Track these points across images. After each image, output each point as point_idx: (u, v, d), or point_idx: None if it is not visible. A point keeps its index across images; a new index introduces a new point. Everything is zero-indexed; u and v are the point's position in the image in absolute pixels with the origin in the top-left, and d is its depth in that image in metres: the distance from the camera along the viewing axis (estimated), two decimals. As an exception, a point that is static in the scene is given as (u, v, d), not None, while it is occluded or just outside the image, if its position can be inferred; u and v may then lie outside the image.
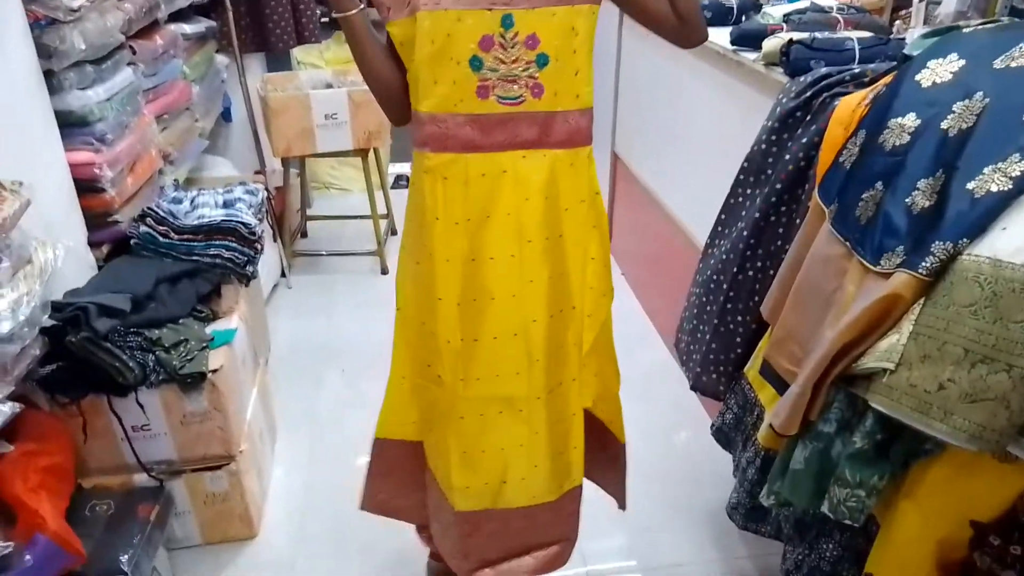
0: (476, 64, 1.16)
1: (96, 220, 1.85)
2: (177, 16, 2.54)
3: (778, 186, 1.49)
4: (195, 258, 1.92)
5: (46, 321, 1.47)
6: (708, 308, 1.70)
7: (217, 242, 1.95)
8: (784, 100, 1.51)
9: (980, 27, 1.22)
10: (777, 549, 1.58)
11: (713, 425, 1.73)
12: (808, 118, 1.45)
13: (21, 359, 1.39)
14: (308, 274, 3.24)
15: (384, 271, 3.19)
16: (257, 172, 3.12)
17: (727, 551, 1.85)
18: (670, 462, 2.14)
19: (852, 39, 1.57)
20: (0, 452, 1.35)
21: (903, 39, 1.58)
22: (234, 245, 1.97)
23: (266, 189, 2.41)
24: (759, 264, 1.58)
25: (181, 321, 1.73)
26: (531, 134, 1.22)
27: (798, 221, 1.45)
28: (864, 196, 1.16)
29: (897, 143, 1.13)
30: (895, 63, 1.44)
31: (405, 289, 1.38)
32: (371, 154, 3.07)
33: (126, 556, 1.47)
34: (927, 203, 1.04)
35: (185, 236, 1.93)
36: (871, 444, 1.05)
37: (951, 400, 0.91)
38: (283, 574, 1.82)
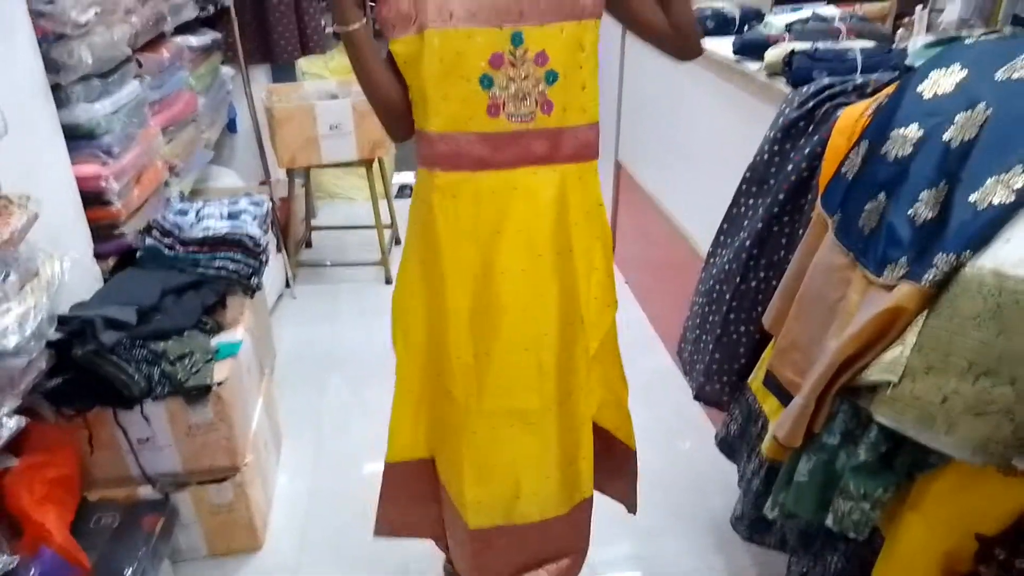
0: (487, 82, 1.16)
1: (102, 232, 1.86)
2: (183, 28, 2.56)
3: (781, 196, 1.49)
4: (200, 270, 1.93)
5: (53, 334, 1.48)
6: (711, 318, 1.70)
7: (222, 254, 1.96)
8: (787, 110, 1.51)
9: (982, 38, 1.22)
10: (782, 558, 1.58)
11: (718, 435, 1.73)
12: (811, 128, 1.46)
13: (28, 372, 1.40)
14: (312, 284, 3.25)
15: (388, 280, 3.19)
16: (262, 182, 3.13)
17: (731, 560, 1.85)
18: (674, 470, 2.13)
19: (854, 49, 1.57)
20: (6, 466, 1.36)
21: (905, 49, 1.58)
22: (239, 257, 1.98)
23: (271, 200, 2.43)
24: (762, 274, 1.58)
25: (186, 333, 1.73)
26: (542, 150, 1.23)
27: (801, 231, 1.45)
28: (867, 206, 1.16)
29: (900, 154, 1.13)
30: (897, 73, 1.44)
31: (410, 306, 1.37)
32: (375, 164, 3.08)
33: (131, 569, 1.47)
34: (930, 214, 1.04)
35: (190, 248, 1.94)
36: (875, 456, 1.05)
37: (955, 412, 0.91)
38: (288, 584, 1.82)
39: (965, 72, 1.11)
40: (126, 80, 1.97)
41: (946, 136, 1.06)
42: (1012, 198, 0.92)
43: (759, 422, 1.55)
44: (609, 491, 1.65)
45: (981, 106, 1.04)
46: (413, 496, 1.53)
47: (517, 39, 1.15)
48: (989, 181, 0.95)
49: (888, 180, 1.13)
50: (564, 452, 1.43)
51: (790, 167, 1.48)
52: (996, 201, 0.93)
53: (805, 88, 1.50)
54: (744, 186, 1.63)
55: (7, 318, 1.29)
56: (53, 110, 1.69)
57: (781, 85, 1.66)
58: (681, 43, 1.27)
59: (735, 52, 1.88)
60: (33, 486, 1.38)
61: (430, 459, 1.49)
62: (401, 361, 1.42)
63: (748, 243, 1.57)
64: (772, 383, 1.40)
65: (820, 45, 1.63)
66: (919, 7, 2.26)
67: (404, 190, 4.09)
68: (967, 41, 1.21)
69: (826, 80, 1.49)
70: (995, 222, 0.93)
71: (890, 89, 1.26)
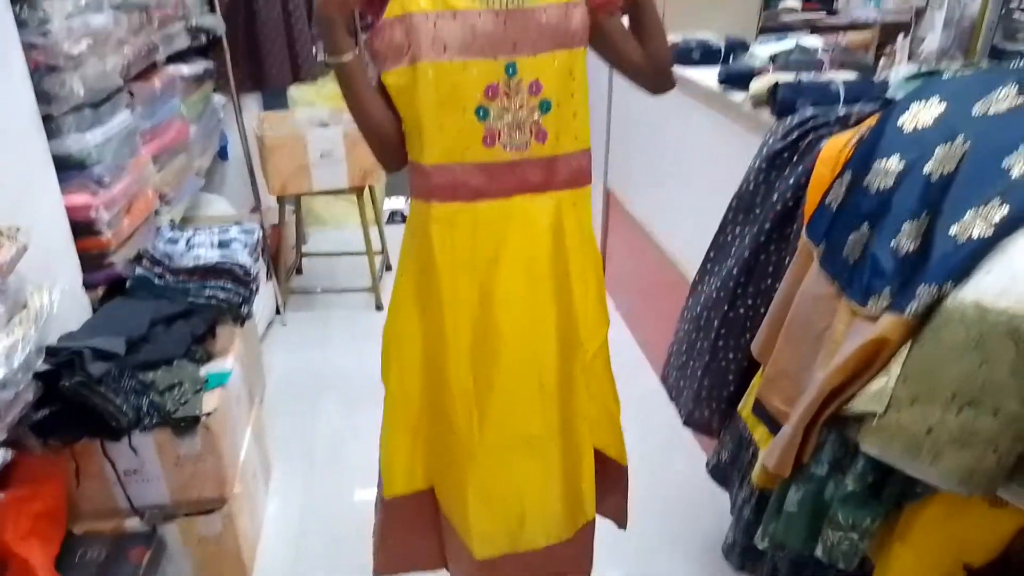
0: (482, 113, 1.17)
1: (92, 261, 1.86)
2: (176, 57, 2.58)
3: (767, 224, 1.51)
4: (190, 299, 1.93)
5: (40, 365, 1.47)
6: (699, 344, 1.71)
7: (212, 283, 1.96)
8: (771, 140, 1.53)
9: (960, 72, 1.25)
10: (775, 587, 1.57)
11: (709, 463, 1.73)
12: (795, 158, 1.48)
13: (14, 405, 1.39)
14: (303, 310, 3.24)
15: (379, 306, 3.19)
16: (253, 210, 3.14)
17: (724, 586, 1.84)
18: (666, 493, 2.13)
19: (837, 81, 1.60)
20: (-9, 500, 1.35)
21: (887, 80, 1.61)
22: (229, 286, 1.98)
23: (261, 227, 2.43)
24: (749, 301, 1.59)
25: (176, 363, 1.73)
26: (537, 178, 1.24)
27: (787, 259, 1.46)
28: (851, 237, 1.18)
29: (882, 185, 1.15)
30: (879, 104, 1.47)
31: (405, 339, 1.36)
32: (366, 190, 3.10)
33: (117, 603, 1.46)
34: (912, 245, 1.06)
35: (180, 277, 1.94)
36: (863, 486, 1.05)
37: (940, 443, 0.92)
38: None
39: (944, 106, 1.14)
40: (118, 110, 1.98)
41: (926, 169, 1.09)
42: (991, 231, 0.94)
43: (750, 449, 1.55)
44: (601, 508, 1.64)
45: (960, 139, 1.06)
46: (414, 530, 1.52)
47: (512, 69, 1.16)
48: (969, 214, 0.97)
49: (871, 211, 1.15)
50: (568, 476, 1.43)
51: (776, 196, 1.50)
52: (976, 234, 0.95)
53: (789, 119, 1.52)
54: (731, 214, 1.64)
55: (-6, 351, 1.29)
56: (44, 141, 1.70)
57: (766, 115, 1.69)
58: (657, 77, 1.32)
59: (720, 82, 1.91)
60: (18, 520, 1.37)
61: (429, 490, 1.48)
62: (394, 395, 1.40)
63: (735, 271, 1.59)
64: (761, 411, 1.40)
65: (804, 76, 1.66)
66: (901, 37, 2.31)
67: (395, 216, 4.11)
68: (945, 75, 1.24)
69: (810, 111, 1.51)
70: (975, 254, 0.94)
71: (872, 121, 1.28)
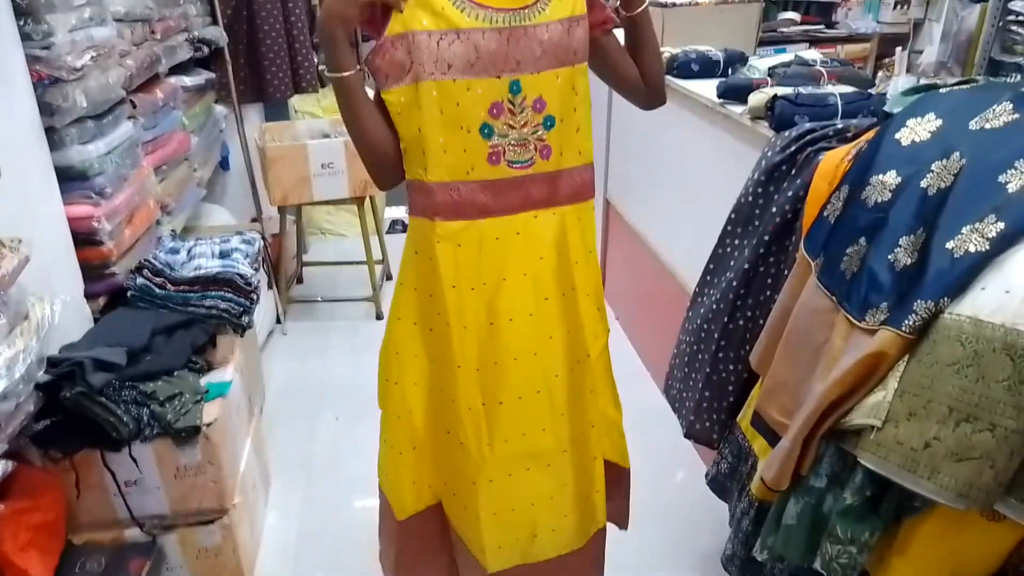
0: (487, 131, 1.17)
1: (93, 272, 1.86)
2: (178, 69, 2.60)
3: (766, 237, 1.52)
4: (191, 309, 1.93)
5: (41, 376, 1.48)
6: (699, 356, 1.72)
7: (213, 293, 1.96)
8: (770, 154, 1.54)
9: (956, 87, 1.26)
10: (774, 600, 1.57)
11: (708, 474, 1.73)
12: (793, 172, 1.49)
13: (15, 416, 1.39)
14: (304, 320, 3.25)
15: (379, 316, 3.20)
16: (254, 219, 3.15)
17: (724, 599, 1.83)
18: (666, 504, 2.13)
19: (835, 94, 1.61)
20: (-8, 511, 1.35)
21: (884, 94, 1.62)
22: (230, 296, 1.98)
23: (262, 237, 2.44)
24: (749, 314, 1.60)
25: (176, 373, 1.73)
26: (542, 194, 1.25)
27: (786, 271, 1.47)
28: (848, 251, 1.19)
29: (879, 199, 1.16)
30: (876, 119, 1.48)
31: (408, 360, 1.34)
32: (367, 200, 3.11)
33: (116, 615, 1.46)
34: (909, 260, 1.06)
35: (181, 287, 1.95)
36: (861, 500, 1.06)
37: (937, 458, 0.92)
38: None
39: (940, 121, 1.15)
40: (120, 121, 1.99)
41: (923, 183, 1.09)
42: (987, 246, 0.95)
43: (749, 461, 1.55)
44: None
45: (956, 155, 1.07)
46: (427, 546, 1.51)
47: (515, 87, 1.17)
48: (965, 229, 0.98)
49: (868, 225, 1.16)
50: (580, 489, 1.43)
51: (774, 209, 1.50)
52: (972, 249, 0.96)
53: (787, 132, 1.54)
54: (729, 227, 1.65)
55: (-4, 362, 1.29)
56: (47, 152, 1.71)
57: (764, 128, 1.70)
58: (650, 94, 1.34)
59: (719, 96, 1.92)
60: (17, 532, 1.37)
61: (437, 504, 1.48)
62: (395, 414, 1.38)
63: (735, 283, 1.59)
64: (760, 423, 1.41)
65: (802, 90, 1.67)
66: (899, 49, 2.33)
67: (395, 225, 4.12)
68: (942, 90, 1.25)
69: (807, 125, 1.53)
70: (971, 270, 0.95)
71: (869, 135, 1.29)
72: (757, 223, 1.57)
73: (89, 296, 1.85)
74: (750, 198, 1.58)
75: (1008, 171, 0.99)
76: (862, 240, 1.16)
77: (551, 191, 1.25)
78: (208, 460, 1.68)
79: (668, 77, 2.20)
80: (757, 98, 1.72)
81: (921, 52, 2.10)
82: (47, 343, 1.52)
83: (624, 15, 1.28)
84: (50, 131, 1.72)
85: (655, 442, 2.32)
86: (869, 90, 1.71)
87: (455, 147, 1.17)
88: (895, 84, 1.68)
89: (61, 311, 1.54)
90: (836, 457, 1.12)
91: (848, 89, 1.68)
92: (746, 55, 2.23)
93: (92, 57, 1.78)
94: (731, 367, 1.65)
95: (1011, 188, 0.98)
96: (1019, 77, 2.35)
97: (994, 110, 1.08)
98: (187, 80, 2.63)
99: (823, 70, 1.89)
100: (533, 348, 1.30)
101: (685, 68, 2.19)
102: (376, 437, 1.46)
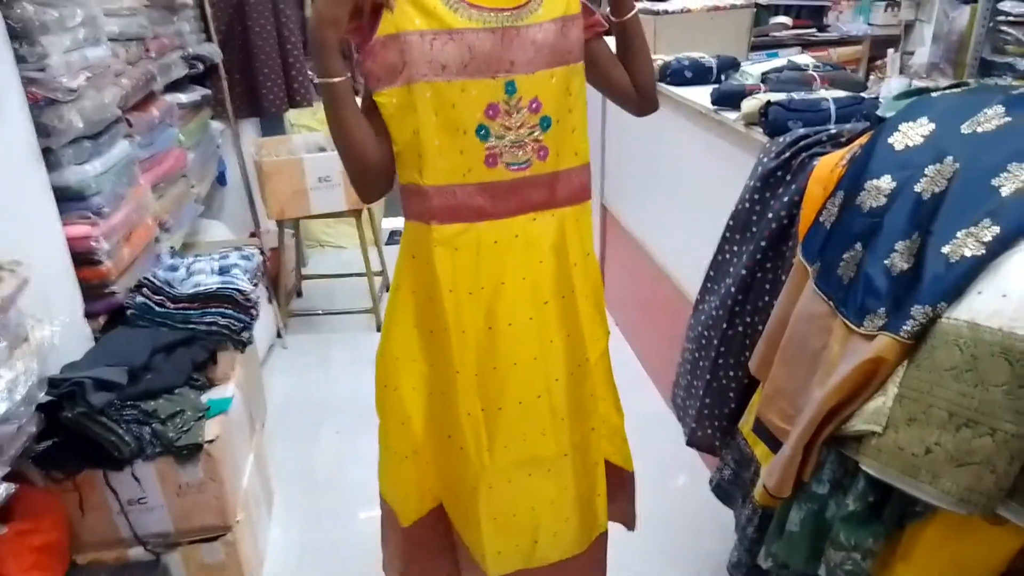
0: (483, 133, 1.16)
1: (93, 291, 1.86)
2: (173, 86, 2.61)
3: (763, 243, 1.52)
4: (191, 326, 1.93)
5: (42, 398, 1.48)
6: (701, 363, 1.72)
7: (213, 309, 1.96)
8: (764, 160, 1.55)
9: (948, 91, 1.26)
10: (780, 606, 1.57)
11: (712, 480, 1.73)
12: (788, 177, 1.49)
13: (17, 438, 1.39)
14: (304, 333, 3.25)
15: (379, 328, 3.17)
16: (252, 234, 3.15)
17: (730, 606, 1.83)
18: (670, 510, 2.13)
19: (828, 99, 1.62)
20: (-6, 534, 1.35)
21: (877, 98, 1.63)
22: (230, 312, 1.98)
23: (261, 251, 2.44)
24: (747, 319, 1.60)
25: (177, 391, 1.73)
26: (540, 196, 1.24)
27: (784, 277, 1.48)
28: (845, 256, 1.19)
29: (874, 204, 1.16)
30: (870, 123, 1.49)
31: (405, 366, 1.33)
32: (364, 212, 3.11)
33: (121, 635, 1.45)
34: (905, 265, 1.07)
35: (181, 304, 1.95)
36: (864, 506, 1.06)
37: (938, 463, 0.93)
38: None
39: (933, 125, 1.15)
40: (116, 140, 1.99)
41: (917, 188, 1.10)
42: (982, 251, 0.95)
43: (752, 467, 1.55)
44: (609, 514, 1.63)
45: (949, 159, 1.08)
46: (431, 550, 1.50)
47: (511, 88, 1.16)
48: (960, 234, 0.98)
49: (864, 230, 1.16)
50: (581, 493, 1.42)
51: (770, 215, 1.51)
52: (967, 253, 0.96)
53: (781, 138, 1.54)
54: (728, 234, 1.66)
55: (-3, 385, 1.29)
56: (44, 174, 1.71)
57: (758, 134, 1.70)
58: (642, 100, 1.35)
59: (713, 103, 1.93)
60: (21, 554, 1.37)
61: (439, 506, 1.47)
62: (394, 421, 1.37)
63: (733, 289, 1.60)
64: (761, 429, 1.41)
65: (795, 96, 1.68)
66: (891, 51, 2.34)
67: (394, 236, 4.12)
68: (934, 94, 1.26)
69: (801, 131, 1.53)
70: (967, 274, 0.95)
71: (863, 140, 1.30)
72: (754, 229, 1.57)
73: (89, 315, 1.85)
74: (747, 205, 1.58)
75: (1001, 174, 1.00)
76: (858, 245, 1.16)
77: (549, 193, 1.25)
78: (210, 477, 1.68)
79: (662, 84, 2.21)
80: (750, 104, 1.73)
81: (913, 53, 2.11)
82: (48, 364, 1.53)
83: (614, 21, 1.29)
84: (47, 152, 1.73)
85: (657, 447, 2.32)
86: (862, 94, 1.72)
87: (451, 149, 1.16)
88: (887, 87, 1.69)
89: (61, 331, 1.54)
90: (838, 463, 1.12)
91: (841, 94, 1.69)
92: (739, 61, 2.24)
93: (87, 77, 1.78)
94: (731, 373, 1.65)
95: (1004, 192, 0.98)
96: (1010, 77, 2.36)
97: (986, 113, 1.09)
98: (183, 97, 2.64)
99: (816, 75, 1.90)
100: (533, 353, 1.29)
101: (678, 75, 2.20)
102: (378, 449, 1.46)
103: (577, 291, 1.30)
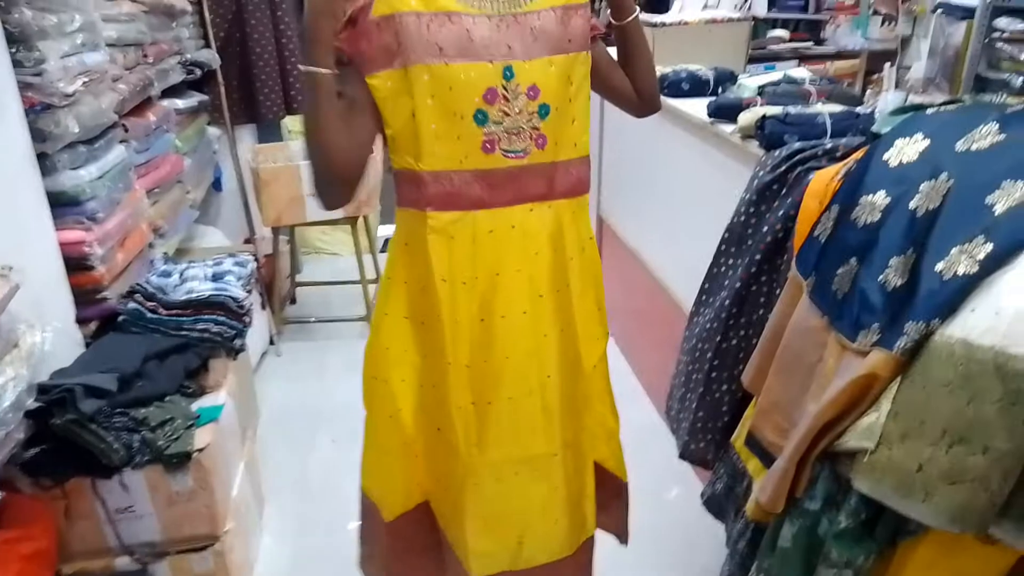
0: (481, 118, 1.14)
1: (85, 296, 1.86)
2: (170, 91, 2.61)
3: (758, 256, 1.53)
4: (183, 333, 1.92)
5: (32, 404, 1.46)
6: (695, 376, 1.71)
7: (206, 316, 1.96)
8: (760, 173, 1.55)
9: (943, 107, 1.27)
10: (772, 622, 1.56)
11: (704, 494, 1.72)
12: (784, 191, 1.49)
13: (5, 444, 1.38)
14: (297, 340, 3.24)
15: (374, 335, 3.19)
16: (247, 240, 3.15)
17: (722, 621, 1.82)
18: (663, 523, 2.12)
19: (824, 113, 1.62)
20: (-20, 542, 1.33)
21: (872, 112, 1.63)
22: (223, 319, 1.97)
23: (255, 257, 2.44)
24: (742, 332, 1.60)
25: (168, 398, 1.72)
26: (538, 187, 1.22)
27: (778, 290, 1.48)
28: (839, 271, 1.19)
29: (869, 220, 1.16)
30: (865, 138, 1.49)
31: (396, 356, 1.30)
32: (360, 219, 3.11)
33: (107, 645, 1.44)
34: (900, 281, 1.06)
35: (173, 311, 1.94)
36: (856, 523, 1.05)
37: (931, 480, 0.92)
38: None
39: (927, 142, 1.15)
40: (112, 145, 1.99)
41: (912, 204, 1.10)
42: (976, 268, 0.95)
43: (744, 481, 1.54)
44: (601, 523, 1.60)
45: (944, 176, 1.08)
46: (414, 546, 1.47)
47: (508, 73, 1.14)
48: (954, 251, 0.98)
49: (859, 245, 1.16)
50: (571, 495, 1.39)
51: (765, 228, 1.51)
52: (961, 271, 0.96)
53: (777, 152, 1.54)
54: (723, 246, 1.66)
55: (-15, 392, 1.29)
56: (39, 179, 1.71)
57: (754, 147, 1.71)
58: (643, 104, 1.35)
59: (710, 115, 1.93)
60: (7, 562, 1.35)
61: (425, 502, 1.43)
62: (383, 414, 1.34)
63: (728, 302, 1.60)
64: (754, 444, 1.40)
65: (791, 109, 1.68)
66: (887, 65, 2.35)
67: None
68: (929, 111, 1.26)
69: (797, 144, 1.53)
70: (961, 291, 0.95)
71: (858, 155, 1.30)
72: (749, 242, 1.57)
73: (81, 321, 1.85)
74: (742, 218, 1.58)
75: (995, 192, 1.00)
76: (853, 260, 1.16)
77: (547, 184, 1.23)
78: (200, 486, 1.66)
79: (658, 96, 2.21)
80: (747, 117, 1.73)
81: (909, 68, 2.12)
82: (38, 370, 1.52)
83: (615, 25, 1.28)
84: (42, 157, 1.72)
85: (650, 459, 2.31)
86: (858, 109, 1.73)
87: (448, 134, 1.14)
88: (884, 101, 1.69)
89: (52, 337, 1.53)
90: (831, 479, 1.12)
91: (837, 108, 1.69)
92: (736, 74, 2.25)
93: (84, 82, 1.78)
94: (725, 387, 1.64)
95: (998, 209, 0.98)
96: (1006, 94, 2.37)
97: (980, 131, 1.09)
98: (180, 103, 2.64)
99: (812, 88, 1.90)
100: (527, 347, 1.27)
101: (675, 87, 2.21)
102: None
103: (572, 286, 1.28)
